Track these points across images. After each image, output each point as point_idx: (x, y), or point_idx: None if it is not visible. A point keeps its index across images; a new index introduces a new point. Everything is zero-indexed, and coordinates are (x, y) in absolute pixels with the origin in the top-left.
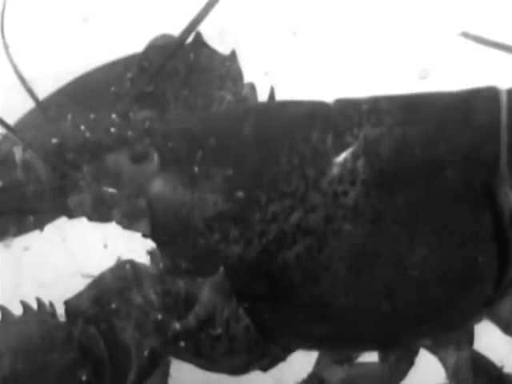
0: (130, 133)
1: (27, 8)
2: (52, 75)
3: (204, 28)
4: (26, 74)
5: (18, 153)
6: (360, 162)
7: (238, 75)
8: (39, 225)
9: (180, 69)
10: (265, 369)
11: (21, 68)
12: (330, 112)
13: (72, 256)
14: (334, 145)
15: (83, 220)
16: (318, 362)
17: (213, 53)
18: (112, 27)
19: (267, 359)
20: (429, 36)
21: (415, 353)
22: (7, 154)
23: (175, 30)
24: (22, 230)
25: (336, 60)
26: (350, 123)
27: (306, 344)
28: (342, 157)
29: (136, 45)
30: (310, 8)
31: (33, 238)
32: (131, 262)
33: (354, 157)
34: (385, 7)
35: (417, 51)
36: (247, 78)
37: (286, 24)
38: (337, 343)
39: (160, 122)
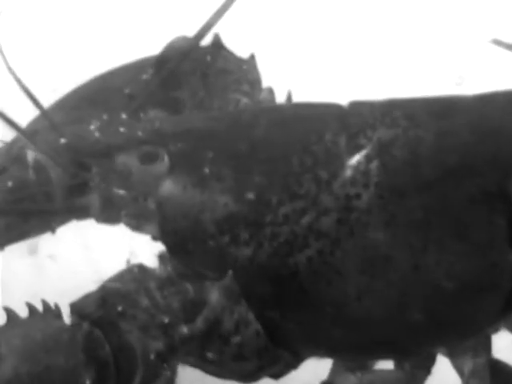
0: (139, 133)
1: (52, 17)
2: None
3: (238, 34)
4: (51, 83)
5: (29, 153)
6: (373, 165)
7: (256, 79)
8: (52, 227)
9: (197, 70)
10: (276, 376)
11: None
12: (344, 114)
13: (96, 264)
14: (347, 147)
15: (108, 228)
16: (332, 370)
17: (230, 55)
18: (140, 34)
19: (278, 366)
20: (465, 43)
21: (432, 361)
22: (19, 154)
23: None
24: (34, 232)
25: (376, 67)
26: (363, 125)
27: (318, 350)
28: (355, 159)
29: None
30: (345, 15)
31: (57, 246)
32: (140, 266)
33: (368, 159)
34: (423, 15)
35: (454, 58)
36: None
37: (321, 32)
38: (348, 350)
39: (170, 121)
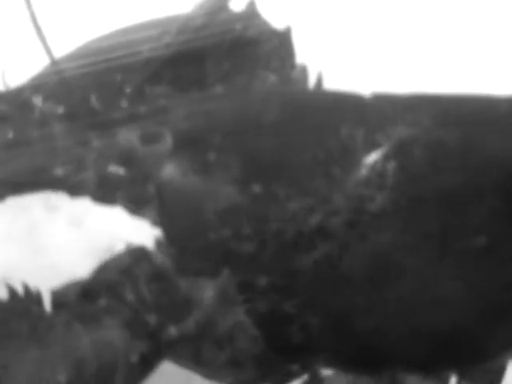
0: (142, 109)
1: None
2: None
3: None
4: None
5: (37, 103)
6: (391, 165)
7: (288, 54)
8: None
9: (225, 39)
10: None
11: None
12: (364, 106)
13: None
14: (364, 143)
15: None
16: None
17: (264, 25)
18: None
19: (279, 374)
20: None
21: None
22: (25, 102)
23: None
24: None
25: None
26: (383, 121)
27: (320, 362)
28: (371, 157)
29: None
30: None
31: None
32: (133, 253)
33: (385, 158)
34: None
35: None
36: None
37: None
38: (349, 365)
39: (177, 99)
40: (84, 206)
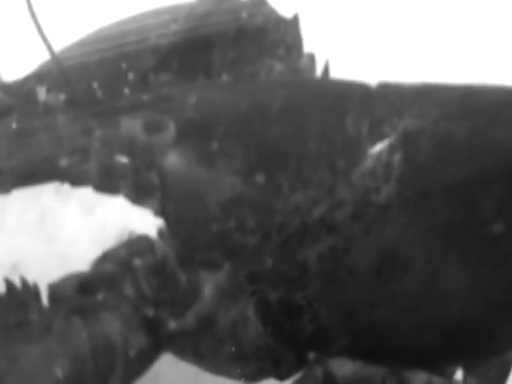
0: (146, 97)
1: None
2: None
3: None
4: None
5: (41, 93)
6: (396, 157)
7: (296, 43)
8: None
9: (231, 27)
10: (282, 377)
11: None
12: (370, 96)
13: None
14: (369, 134)
15: None
16: None
17: (271, 13)
18: None
19: (284, 367)
20: None
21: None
22: (30, 92)
23: None
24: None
25: None
26: (390, 111)
27: (330, 354)
28: (377, 148)
29: None
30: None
31: None
32: (141, 241)
33: (391, 150)
34: None
35: None
36: None
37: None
38: (361, 356)
39: (181, 88)
40: (95, 193)
